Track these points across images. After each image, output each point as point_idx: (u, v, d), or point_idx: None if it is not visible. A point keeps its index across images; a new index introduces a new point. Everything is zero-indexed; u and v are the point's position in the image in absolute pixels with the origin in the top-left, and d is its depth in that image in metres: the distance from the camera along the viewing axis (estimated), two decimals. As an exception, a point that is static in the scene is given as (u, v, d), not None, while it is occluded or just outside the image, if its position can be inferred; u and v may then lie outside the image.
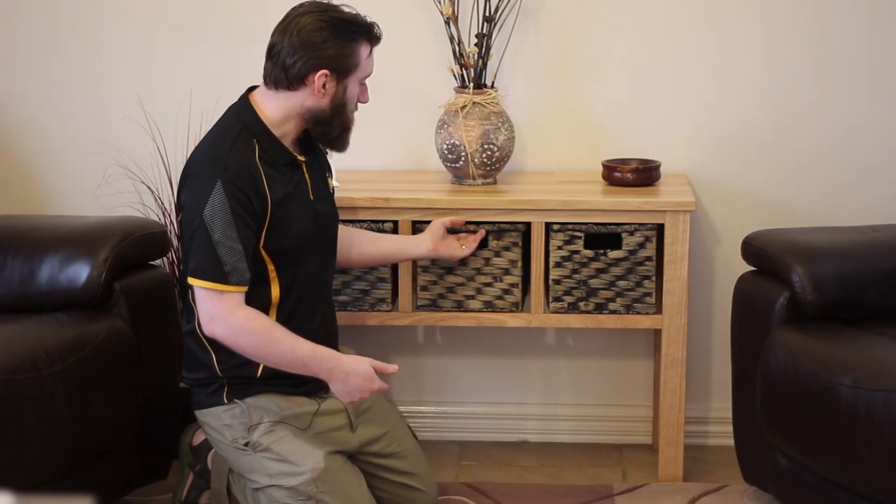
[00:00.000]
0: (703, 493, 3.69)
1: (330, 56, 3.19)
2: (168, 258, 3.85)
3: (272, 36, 3.22)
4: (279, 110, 3.23)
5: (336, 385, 3.18)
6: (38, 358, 3.14)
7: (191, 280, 3.14)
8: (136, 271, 3.50)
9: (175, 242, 3.88)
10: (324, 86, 3.19)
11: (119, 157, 4.03)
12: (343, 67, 3.21)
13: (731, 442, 3.70)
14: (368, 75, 3.29)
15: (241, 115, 3.24)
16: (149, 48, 4.02)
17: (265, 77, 3.24)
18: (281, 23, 3.22)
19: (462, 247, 3.65)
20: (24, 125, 4.08)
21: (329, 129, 3.26)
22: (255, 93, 3.27)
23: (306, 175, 3.29)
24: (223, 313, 3.11)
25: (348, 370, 3.16)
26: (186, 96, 3.98)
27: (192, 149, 3.96)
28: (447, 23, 3.79)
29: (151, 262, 3.60)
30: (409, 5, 3.87)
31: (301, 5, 3.24)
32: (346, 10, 3.24)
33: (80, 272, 3.39)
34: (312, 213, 3.27)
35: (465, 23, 3.83)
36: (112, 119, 4.03)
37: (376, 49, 3.29)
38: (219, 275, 3.11)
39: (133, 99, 4.01)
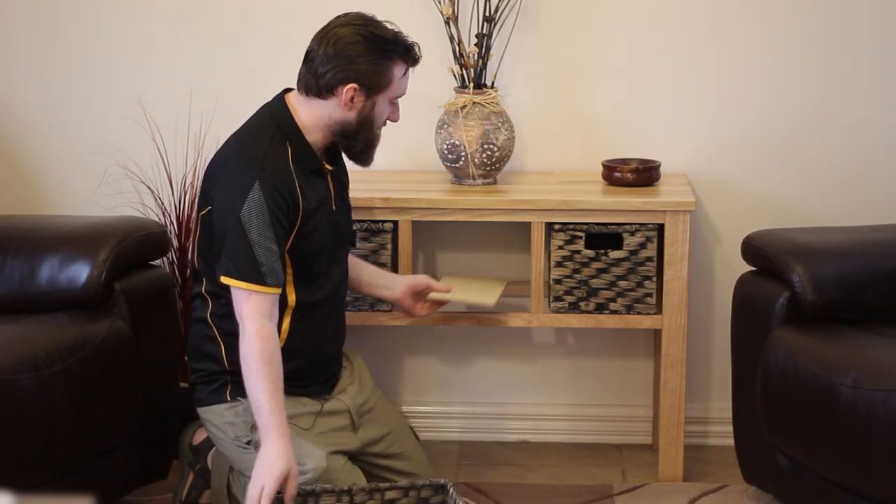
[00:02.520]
0: (703, 493, 3.69)
1: (361, 71, 3.17)
2: (168, 258, 3.85)
3: (311, 41, 3.22)
4: (310, 117, 3.22)
5: (259, 456, 3.04)
6: (38, 358, 3.14)
7: (225, 279, 3.10)
8: (136, 271, 3.50)
9: (175, 242, 3.88)
10: (351, 99, 3.19)
11: (119, 157, 4.03)
12: (373, 84, 3.20)
13: (731, 442, 3.70)
14: (401, 95, 3.28)
15: (276, 116, 3.22)
16: (149, 48, 4.02)
17: (299, 81, 3.23)
18: (321, 30, 3.22)
19: (422, 308, 3.59)
20: (24, 125, 4.08)
21: (354, 143, 3.26)
22: (290, 95, 3.26)
23: (330, 185, 3.29)
24: (248, 314, 3.08)
25: (274, 458, 3.01)
26: (186, 96, 3.98)
27: (191, 149, 3.97)
28: (447, 23, 3.79)
29: (151, 262, 3.59)
30: (409, 5, 3.87)
31: (345, 15, 3.23)
32: (389, 27, 3.22)
33: (80, 272, 3.39)
34: (334, 223, 3.28)
35: (465, 23, 3.83)
36: (112, 119, 4.03)
37: None
38: (255, 275, 3.08)
39: (133, 99, 4.00)
